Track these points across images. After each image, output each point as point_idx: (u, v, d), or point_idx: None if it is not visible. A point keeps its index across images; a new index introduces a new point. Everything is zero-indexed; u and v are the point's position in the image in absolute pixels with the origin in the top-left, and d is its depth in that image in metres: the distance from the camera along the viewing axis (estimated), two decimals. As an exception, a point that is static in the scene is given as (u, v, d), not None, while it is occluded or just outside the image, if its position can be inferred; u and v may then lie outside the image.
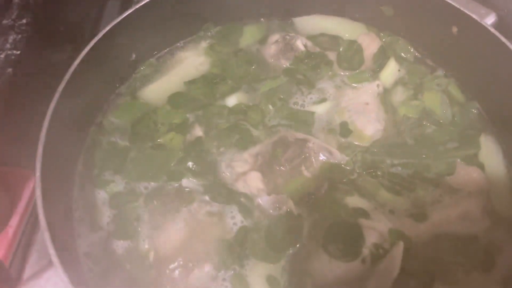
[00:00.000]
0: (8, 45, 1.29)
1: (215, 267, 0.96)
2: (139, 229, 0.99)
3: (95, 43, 1.06)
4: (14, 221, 1.18)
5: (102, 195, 1.04)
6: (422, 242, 0.99)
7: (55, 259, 0.77)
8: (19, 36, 1.31)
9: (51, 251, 0.78)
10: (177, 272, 0.95)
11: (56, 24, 1.41)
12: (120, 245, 0.97)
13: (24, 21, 1.26)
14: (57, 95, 0.96)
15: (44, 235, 0.80)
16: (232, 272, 0.95)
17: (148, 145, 1.10)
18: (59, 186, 0.98)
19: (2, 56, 1.27)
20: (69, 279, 0.76)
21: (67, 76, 0.99)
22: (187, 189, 1.05)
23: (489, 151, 1.12)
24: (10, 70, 1.28)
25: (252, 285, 0.94)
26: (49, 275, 0.79)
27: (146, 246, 0.97)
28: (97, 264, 0.95)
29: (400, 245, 0.93)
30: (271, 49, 1.26)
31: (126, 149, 1.10)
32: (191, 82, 1.21)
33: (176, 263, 0.95)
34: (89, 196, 1.03)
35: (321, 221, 1.01)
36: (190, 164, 1.06)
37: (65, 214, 0.98)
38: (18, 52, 1.29)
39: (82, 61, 1.02)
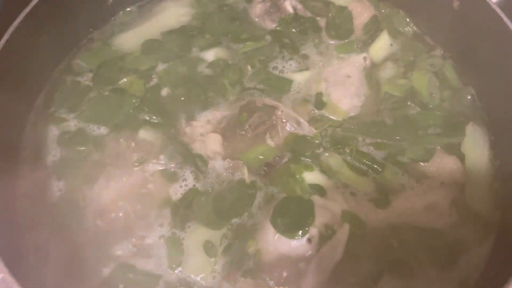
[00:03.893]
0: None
1: (154, 227, 0.91)
2: (82, 174, 0.95)
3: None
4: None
5: (53, 132, 1.01)
6: (379, 229, 0.91)
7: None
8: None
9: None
10: (112, 227, 0.90)
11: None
12: (59, 188, 0.94)
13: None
14: (12, 28, 0.92)
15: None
16: (170, 233, 0.90)
17: (108, 88, 1.05)
18: (7, 122, 0.94)
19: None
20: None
21: (25, 11, 0.94)
22: (142, 142, 1.00)
23: (475, 142, 1.01)
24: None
25: (188, 248, 0.88)
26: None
27: (85, 194, 0.93)
28: (34, 205, 0.92)
29: (346, 228, 0.86)
30: (256, 8, 1.18)
31: (87, 89, 1.06)
32: (168, 33, 1.15)
33: (113, 217, 0.91)
34: (40, 133, 1.00)
35: (274, 194, 0.94)
36: (147, 113, 1.02)
37: (9, 152, 0.95)
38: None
39: (47, -3, 0.97)
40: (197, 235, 0.90)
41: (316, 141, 1.00)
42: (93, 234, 0.90)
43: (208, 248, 0.88)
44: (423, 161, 0.98)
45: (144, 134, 1.00)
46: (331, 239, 0.87)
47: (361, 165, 0.97)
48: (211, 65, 1.10)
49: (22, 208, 0.91)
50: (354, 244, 0.88)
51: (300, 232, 0.88)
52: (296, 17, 1.17)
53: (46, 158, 0.97)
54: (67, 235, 0.89)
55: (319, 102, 1.05)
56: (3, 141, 0.93)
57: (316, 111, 1.05)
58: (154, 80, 1.08)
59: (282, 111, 1.02)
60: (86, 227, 0.91)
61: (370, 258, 0.88)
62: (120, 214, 0.92)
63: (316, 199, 0.92)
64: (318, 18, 1.18)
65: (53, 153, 0.98)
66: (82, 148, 0.98)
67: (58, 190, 0.94)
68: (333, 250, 0.85)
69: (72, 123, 1.01)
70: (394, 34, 1.15)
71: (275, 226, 0.89)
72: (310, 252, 0.87)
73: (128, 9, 1.20)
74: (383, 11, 1.19)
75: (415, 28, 1.17)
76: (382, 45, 1.13)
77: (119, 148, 0.99)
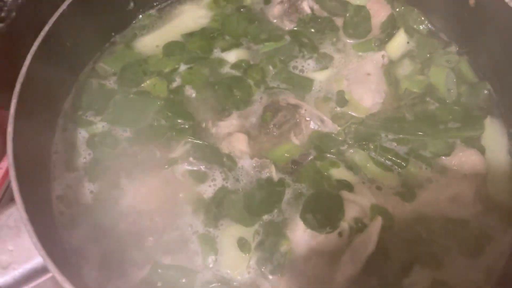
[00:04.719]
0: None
1: (187, 225, 0.93)
2: (113, 175, 0.97)
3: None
4: (4, 164, 1.17)
5: (82, 134, 1.03)
6: (407, 222, 0.94)
7: (16, 194, 0.76)
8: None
9: (14, 186, 0.76)
10: (147, 226, 0.93)
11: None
12: (92, 189, 0.96)
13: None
14: (42, 34, 0.94)
15: (10, 171, 0.79)
16: (204, 231, 0.92)
17: (132, 90, 1.07)
18: (39, 127, 0.96)
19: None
20: (28, 216, 0.74)
21: (53, 18, 0.96)
22: (170, 143, 1.02)
23: (493, 135, 1.04)
24: (14, 14, 1.27)
25: (222, 245, 0.91)
26: (12, 211, 0.78)
27: (117, 194, 0.95)
28: (69, 207, 0.94)
29: (378, 220, 0.89)
30: (275, 9, 1.20)
31: (112, 91, 1.08)
32: (188, 35, 1.16)
33: (147, 217, 0.94)
34: (70, 137, 1.02)
35: (302, 190, 0.97)
36: (173, 114, 1.04)
37: (42, 156, 0.97)
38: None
39: (72, 4, 0.99)
40: (230, 232, 0.92)
41: (340, 138, 1.03)
42: (128, 234, 0.92)
43: (242, 244, 0.91)
44: (445, 155, 1.01)
45: (171, 135, 1.03)
46: (363, 232, 0.90)
47: (386, 161, 1.00)
48: (235, 66, 1.12)
49: (58, 210, 0.93)
50: (384, 237, 0.90)
51: (331, 226, 0.91)
52: (313, 17, 1.20)
53: (78, 161, 0.99)
54: (104, 235, 0.92)
55: (341, 99, 1.07)
56: (36, 145, 0.95)
57: (338, 108, 1.07)
58: (178, 82, 1.10)
59: (305, 110, 1.05)
60: (121, 227, 0.93)
61: (400, 250, 0.91)
62: (153, 214, 0.94)
63: (345, 194, 0.95)
64: (335, 17, 1.21)
65: (84, 155, 1.00)
66: (111, 150, 1.00)
67: (91, 191, 0.96)
68: (366, 242, 0.88)
69: (100, 125, 1.03)
70: (410, 31, 1.17)
71: (305, 221, 0.92)
72: (341, 246, 0.90)
73: (149, 12, 1.22)
74: (397, 9, 1.21)
75: (429, 26, 1.20)
76: (399, 42, 1.15)
77: (148, 149, 1.01)
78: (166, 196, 0.96)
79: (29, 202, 0.79)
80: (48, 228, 0.86)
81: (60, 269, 0.72)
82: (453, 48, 1.17)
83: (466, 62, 1.14)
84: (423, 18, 1.19)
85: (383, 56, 1.13)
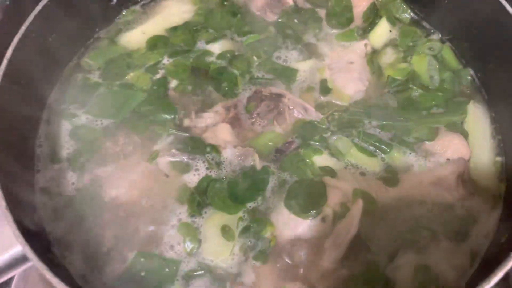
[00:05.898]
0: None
1: (171, 214, 0.93)
2: (96, 167, 0.97)
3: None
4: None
5: (66, 126, 1.03)
6: (391, 207, 0.94)
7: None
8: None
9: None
10: (130, 217, 0.93)
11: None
12: (75, 181, 0.96)
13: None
14: (23, 27, 0.94)
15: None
16: (188, 220, 0.92)
17: (116, 83, 1.08)
18: (22, 121, 0.97)
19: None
20: (6, 203, 0.74)
21: (35, 12, 0.96)
22: (152, 135, 1.02)
23: (476, 119, 1.05)
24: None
25: (206, 233, 0.91)
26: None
27: (100, 186, 0.95)
28: (52, 199, 0.94)
29: (359, 203, 0.89)
30: (258, 2, 1.21)
31: (96, 85, 1.08)
32: (172, 29, 1.17)
33: (130, 208, 0.94)
34: (54, 129, 1.02)
35: (287, 179, 0.97)
36: (156, 106, 1.04)
37: (26, 149, 0.97)
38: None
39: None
40: (214, 220, 0.92)
41: (324, 126, 1.03)
42: (111, 224, 0.92)
43: (226, 231, 0.90)
44: (428, 140, 1.01)
45: (154, 127, 1.03)
46: (345, 216, 0.89)
47: (369, 146, 1.00)
48: (219, 56, 1.13)
49: (41, 202, 0.93)
50: (368, 222, 0.91)
51: (314, 212, 0.91)
52: (296, 8, 1.20)
53: (61, 153, 0.99)
54: (87, 226, 0.92)
55: (324, 88, 1.08)
56: (20, 139, 0.96)
57: (322, 97, 1.08)
58: (162, 74, 1.10)
59: (288, 99, 1.05)
60: (104, 217, 0.93)
61: (384, 234, 0.91)
62: (136, 204, 0.94)
63: (327, 180, 0.95)
64: (318, 8, 1.21)
65: (67, 147, 1.00)
66: (94, 142, 1.00)
67: (74, 183, 0.96)
68: (348, 225, 0.88)
69: (84, 118, 1.04)
70: (392, 20, 1.18)
71: (289, 207, 0.92)
72: (325, 231, 0.90)
73: (132, 8, 1.22)
74: (380, -1, 1.22)
75: (412, 14, 1.20)
76: (382, 31, 1.16)
77: (130, 142, 1.01)
78: (149, 187, 0.96)
79: (11, 191, 0.79)
80: (30, 218, 0.86)
81: (40, 257, 0.72)
82: (436, 36, 1.18)
83: (449, 49, 1.15)
84: (405, 7, 1.20)
85: (365, 45, 1.14)
